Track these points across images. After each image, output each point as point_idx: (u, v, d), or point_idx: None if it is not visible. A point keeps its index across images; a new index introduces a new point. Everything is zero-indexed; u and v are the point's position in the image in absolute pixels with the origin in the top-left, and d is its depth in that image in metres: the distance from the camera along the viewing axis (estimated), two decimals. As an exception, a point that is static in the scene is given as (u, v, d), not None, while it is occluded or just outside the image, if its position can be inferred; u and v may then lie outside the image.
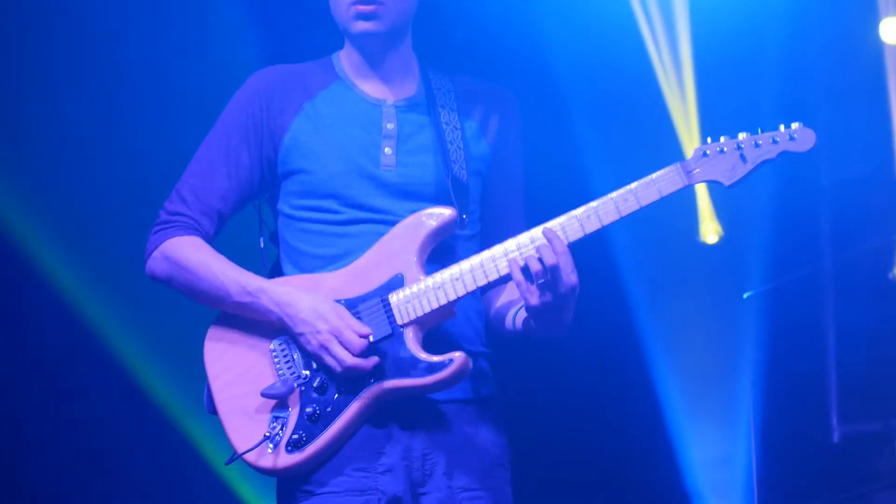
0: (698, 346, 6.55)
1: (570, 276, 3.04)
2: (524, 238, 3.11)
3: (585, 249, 3.10)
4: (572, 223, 3.10)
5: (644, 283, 6.55)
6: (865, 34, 6.35)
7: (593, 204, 3.12)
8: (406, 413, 3.16)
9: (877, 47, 6.34)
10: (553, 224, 3.10)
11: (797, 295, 6.56)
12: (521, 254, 3.08)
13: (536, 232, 3.11)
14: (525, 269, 3.05)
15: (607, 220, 3.11)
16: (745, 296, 6.56)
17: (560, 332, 3.18)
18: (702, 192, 6.59)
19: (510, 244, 3.11)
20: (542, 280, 3.03)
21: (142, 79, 5.82)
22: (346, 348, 3.07)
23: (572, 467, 6.35)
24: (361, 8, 3.25)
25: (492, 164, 3.40)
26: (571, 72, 6.27)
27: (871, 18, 6.32)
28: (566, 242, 3.06)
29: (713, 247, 6.67)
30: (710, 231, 6.64)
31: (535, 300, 3.06)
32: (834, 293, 6.62)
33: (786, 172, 6.20)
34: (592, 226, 3.11)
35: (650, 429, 6.51)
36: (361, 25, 3.27)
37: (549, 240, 3.05)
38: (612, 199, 3.12)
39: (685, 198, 6.55)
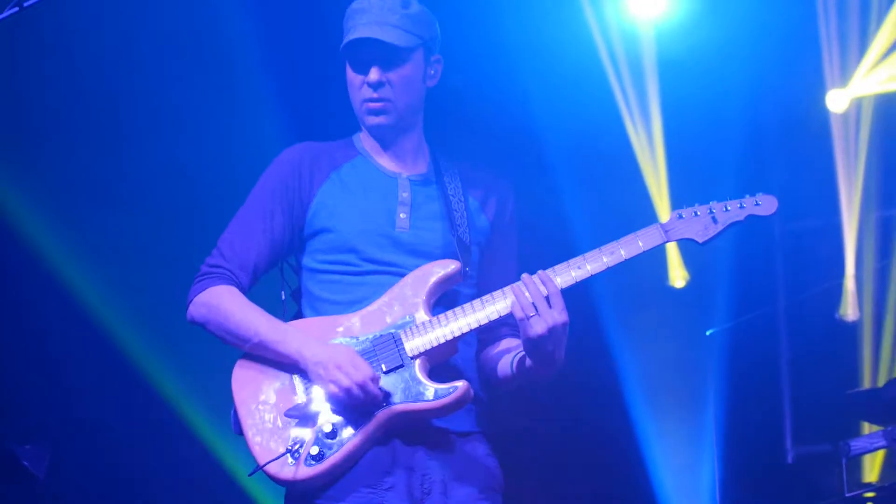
0: (668, 376, 6.61)
1: (561, 312, 3.16)
2: (523, 279, 3.22)
3: (570, 294, 3.18)
4: (565, 272, 3.24)
5: (620, 322, 6.59)
6: (814, 104, 6.56)
7: (584, 256, 3.26)
8: (410, 440, 3.24)
9: (824, 115, 6.56)
10: (548, 272, 3.22)
11: (755, 332, 6.69)
12: (520, 291, 3.18)
13: (534, 276, 3.22)
14: (523, 304, 3.17)
15: (596, 270, 3.25)
16: (708, 333, 6.67)
17: (551, 370, 3.26)
18: (671, 245, 6.52)
19: (507, 288, 3.24)
20: (536, 313, 3.14)
21: (159, 92, 5.88)
22: (353, 380, 3.16)
23: (555, 492, 6.43)
24: (371, 105, 3.40)
25: (490, 237, 3.49)
26: (557, 143, 6.36)
27: (818, 90, 6.53)
28: (559, 288, 3.19)
29: (680, 290, 6.79)
30: (678, 277, 6.78)
31: (531, 332, 3.14)
32: (787, 330, 6.81)
33: (743, 225, 6.36)
34: (582, 274, 3.24)
35: (625, 452, 6.56)
36: (373, 120, 3.42)
37: (542, 281, 3.18)
38: (600, 252, 3.26)
39: (657, 249, 6.34)
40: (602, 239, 3.30)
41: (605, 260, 3.26)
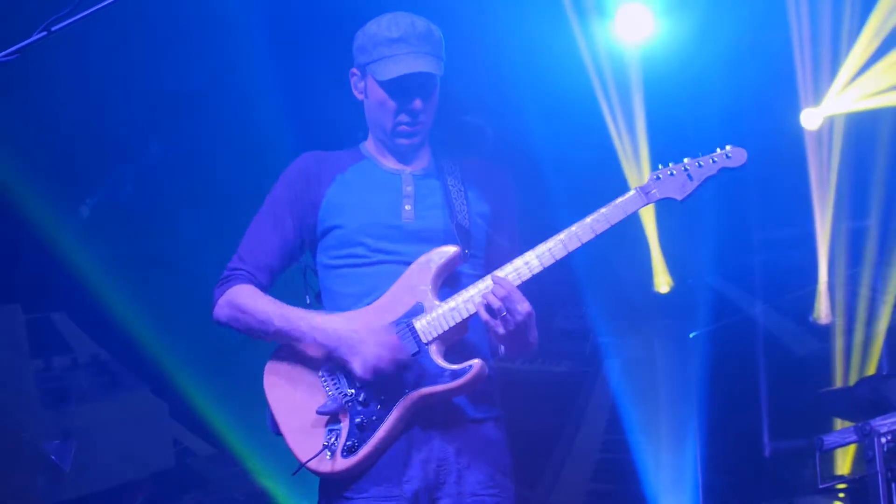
0: (653, 376, 6.69)
1: (522, 305, 3.20)
2: (485, 282, 3.27)
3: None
4: (557, 245, 3.28)
5: (609, 325, 6.65)
6: (789, 121, 6.62)
7: (572, 228, 3.30)
8: (426, 429, 3.32)
9: (798, 132, 6.64)
10: (533, 251, 3.29)
11: (734, 334, 6.78)
12: (490, 298, 3.21)
13: (489, 279, 3.27)
14: (489, 308, 3.21)
15: (585, 239, 3.28)
16: (691, 335, 6.75)
17: (530, 349, 3.33)
18: (656, 252, 6.67)
19: (483, 284, 3.27)
20: (504, 314, 3.20)
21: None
22: (379, 353, 3.25)
23: (542, 488, 6.48)
24: (407, 129, 3.47)
25: (492, 221, 3.53)
26: (549, 157, 6.35)
27: (793, 109, 6.60)
28: (553, 261, 3.26)
29: (665, 295, 6.84)
30: (662, 283, 6.82)
31: (500, 330, 3.21)
32: (764, 333, 6.90)
33: (724, 234, 6.45)
34: (574, 244, 3.28)
35: (612, 448, 6.65)
36: (406, 141, 3.49)
37: (498, 283, 3.23)
38: (586, 222, 3.30)
39: (643, 257, 6.63)
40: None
41: (592, 229, 3.29)
